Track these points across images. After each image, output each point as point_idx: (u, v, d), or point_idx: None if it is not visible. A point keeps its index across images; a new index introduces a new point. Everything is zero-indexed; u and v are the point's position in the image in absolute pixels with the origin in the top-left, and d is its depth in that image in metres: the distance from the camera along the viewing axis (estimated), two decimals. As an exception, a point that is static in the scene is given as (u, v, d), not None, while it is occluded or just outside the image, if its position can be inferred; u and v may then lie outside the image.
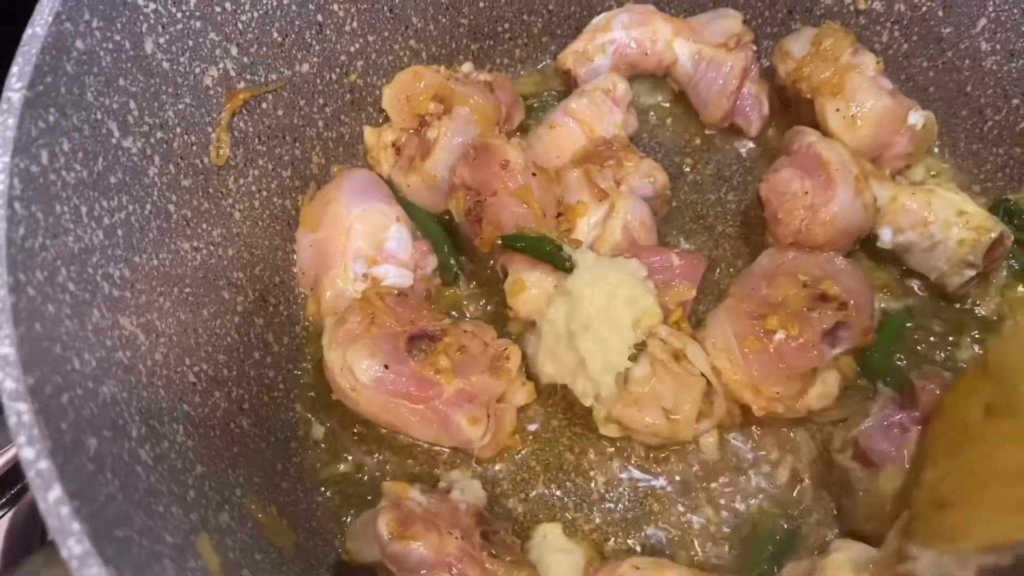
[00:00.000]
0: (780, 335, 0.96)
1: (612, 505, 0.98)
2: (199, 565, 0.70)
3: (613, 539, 0.97)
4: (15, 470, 1.22)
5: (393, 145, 1.14)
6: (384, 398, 0.94)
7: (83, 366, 0.68)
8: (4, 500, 1.22)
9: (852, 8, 1.18)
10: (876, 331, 1.01)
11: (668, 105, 1.25)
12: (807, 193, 1.02)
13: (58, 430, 0.59)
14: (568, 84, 1.23)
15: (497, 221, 1.00)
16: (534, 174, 1.02)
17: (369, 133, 1.16)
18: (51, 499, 0.55)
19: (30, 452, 0.56)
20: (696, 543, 0.96)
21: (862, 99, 1.08)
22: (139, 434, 0.73)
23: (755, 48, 1.20)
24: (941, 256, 1.05)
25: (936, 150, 1.19)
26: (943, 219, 1.04)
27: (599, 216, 1.04)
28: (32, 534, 1.13)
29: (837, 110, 1.09)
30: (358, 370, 0.93)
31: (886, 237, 1.07)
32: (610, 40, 1.19)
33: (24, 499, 1.21)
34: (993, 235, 1.02)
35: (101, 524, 0.57)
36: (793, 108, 1.17)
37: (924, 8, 1.14)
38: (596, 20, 1.22)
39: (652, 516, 0.98)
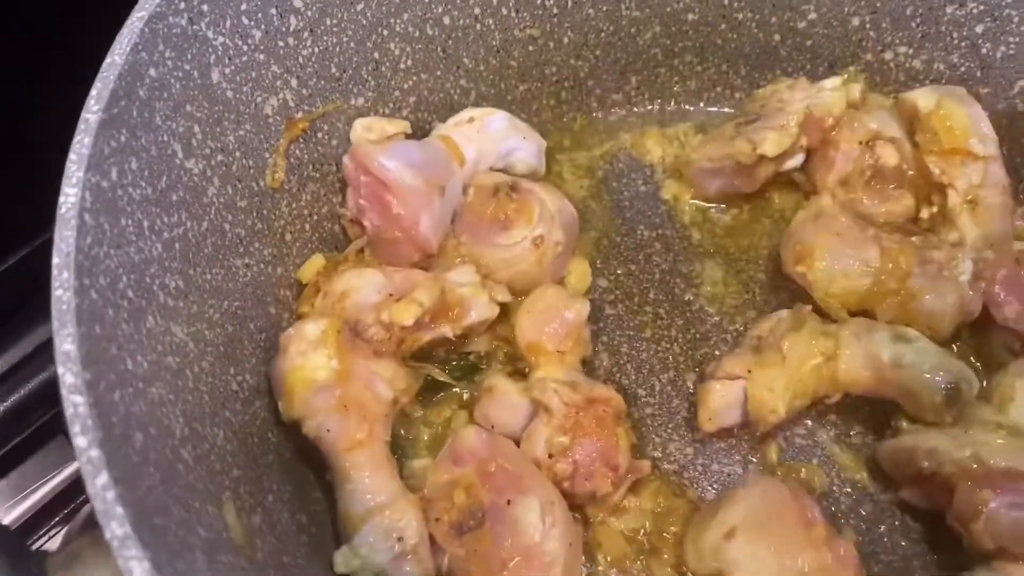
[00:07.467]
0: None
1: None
2: (228, 560, 0.75)
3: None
4: (69, 490, 1.27)
5: None
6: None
7: (135, 367, 0.73)
8: (58, 519, 1.27)
9: (892, 65, 1.21)
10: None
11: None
12: None
13: (109, 423, 0.64)
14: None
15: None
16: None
17: None
18: (99, 484, 0.60)
19: (82, 441, 0.61)
20: None
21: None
22: (182, 434, 0.78)
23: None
24: None
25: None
26: None
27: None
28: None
29: None
30: None
31: None
32: None
33: (77, 517, 1.27)
34: None
35: (142, 511, 0.62)
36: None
37: (963, 68, 1.16)
38: None
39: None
